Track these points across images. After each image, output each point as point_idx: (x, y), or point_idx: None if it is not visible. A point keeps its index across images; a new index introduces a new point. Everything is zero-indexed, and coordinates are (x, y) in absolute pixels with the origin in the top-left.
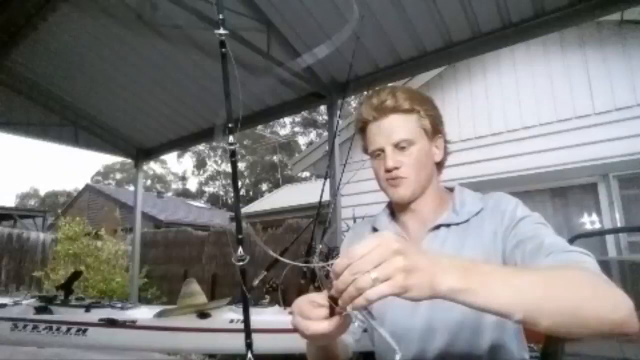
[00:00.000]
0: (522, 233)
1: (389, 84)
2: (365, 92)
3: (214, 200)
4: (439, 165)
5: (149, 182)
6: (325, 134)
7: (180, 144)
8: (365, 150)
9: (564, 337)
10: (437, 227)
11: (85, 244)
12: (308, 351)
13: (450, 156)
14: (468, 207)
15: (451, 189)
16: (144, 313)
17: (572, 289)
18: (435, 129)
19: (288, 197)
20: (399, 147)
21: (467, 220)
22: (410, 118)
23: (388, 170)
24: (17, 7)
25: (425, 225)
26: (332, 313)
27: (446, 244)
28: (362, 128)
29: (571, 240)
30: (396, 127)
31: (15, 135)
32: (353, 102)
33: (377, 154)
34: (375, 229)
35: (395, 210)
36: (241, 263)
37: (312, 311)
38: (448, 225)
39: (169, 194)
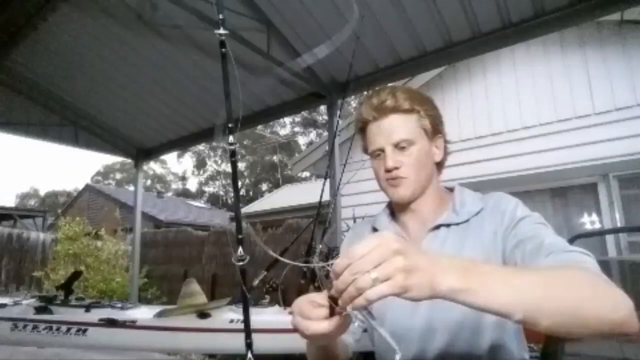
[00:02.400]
0: (522, 233)
1: (389, 84)
2: (365, 92)
3: (214, 200)
4: (439, 165)
5: (149, 182)
6: (325, 134)
7: (180, 144)
8: (365, 150)
9: (564, 337)
10: (437, 227)
11: (85, 244)
12: (308, 351)
13: (450, 156)
14: (468, 207)
15: (451, 189)
16: (144, 313)
17: (572, 289)
18: (435, 129)
19: (288, 197)
20: (399, 147)
21: (467, 220)
22: (410, 118)
23: (388, 170)
24: (17, 7)
25: (425, 225)
26: (332, 313)
27: (446, 244)
28: (362, 128)
29: (571, 240)
30: (396, 127)
31: (15, 135)
32: (353, 102)
33: (377, 154)
34: (375, 229)
35: (395, 210)
36: (241, 263)
37: (312, 311)
38: (448, 225)
39: (169, 194)
